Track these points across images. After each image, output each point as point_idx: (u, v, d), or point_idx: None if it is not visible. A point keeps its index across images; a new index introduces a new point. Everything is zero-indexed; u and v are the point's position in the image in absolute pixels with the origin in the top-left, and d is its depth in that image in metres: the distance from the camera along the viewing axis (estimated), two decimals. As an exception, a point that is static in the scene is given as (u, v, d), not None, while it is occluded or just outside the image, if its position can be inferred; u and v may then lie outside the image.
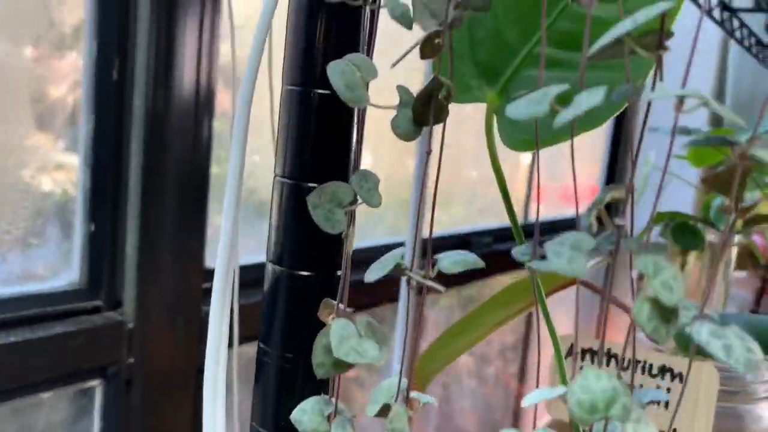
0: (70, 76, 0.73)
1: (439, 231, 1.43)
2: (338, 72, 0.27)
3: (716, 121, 1.82)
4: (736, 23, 1.39)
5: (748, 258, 1.19)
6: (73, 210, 0.76)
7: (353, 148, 0.32)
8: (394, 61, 0.27)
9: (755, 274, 1.18)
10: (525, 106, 0.23)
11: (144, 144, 0.73)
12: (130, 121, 0.73)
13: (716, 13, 1.23)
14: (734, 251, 0.92)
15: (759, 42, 1.67)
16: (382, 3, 0.27)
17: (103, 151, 0.74)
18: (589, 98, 0.21)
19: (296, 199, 0.33)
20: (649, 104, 0.24)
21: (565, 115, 0.21)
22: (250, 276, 0.70)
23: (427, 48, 0.27)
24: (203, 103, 0.77)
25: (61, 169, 0.75)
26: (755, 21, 1.48)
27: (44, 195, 0.74)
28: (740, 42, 1.47)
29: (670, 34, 0.23)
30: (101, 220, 0.75)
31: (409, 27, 0.27)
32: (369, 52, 0.29)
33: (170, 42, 0.73)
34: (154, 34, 0.72)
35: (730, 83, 1.89)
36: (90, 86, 0.72)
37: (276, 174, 0.34)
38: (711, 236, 0.75)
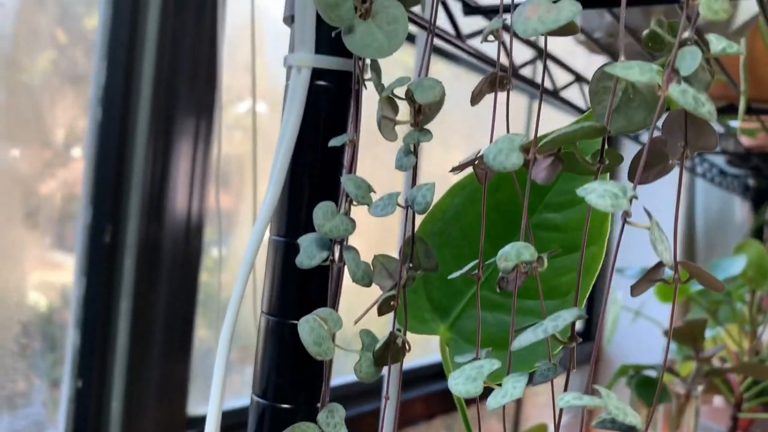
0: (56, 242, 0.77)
1: (419, 359, 1.46)
2: (307, 329, 0.31)
3: (690, 254, 1.90)
4: (697, 159, 1.47)
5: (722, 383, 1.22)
6: (61, 368, 0.78)
7: (324, 373, 0.35)
8: (357, 318, 0.32)
9: (729, 403, 1.21)
10: (462, 384, 0.27)
11: (132, 305, 0.77)
12: (120, 284, 0.77)
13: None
14: (700, 390, 0.94)
15: (722, 172, 1.75)
16: (345, 263, 0.32)
17: (92, 311, 0.77)
18: (513, 390, 0.25)
19: (272, 419, 0.36)
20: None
21: (495, 401, 0.25)
22: (233, 421, 0.73)
23: (384, 307, 0.31)
24: (191, 262, 0.81)
25: (51, 323, 0.78)
26: (716, 155, 1.56)
27: (34, 353, 0.76)
28: (703, 176, 1.55)
29: (582, 317, 0.28)
30: (89, 376, 0.78)
31: (368, 286, 0.32)
32: (335, 304, 0.33)
33: (160, 221, 0.77)
34: (146, 204, 0.77)
35: (699, 208, 1.98)
36: (82, 253, 0.76)
37: (253, 393, 0.38)
38: (677, 386, 0.78)
